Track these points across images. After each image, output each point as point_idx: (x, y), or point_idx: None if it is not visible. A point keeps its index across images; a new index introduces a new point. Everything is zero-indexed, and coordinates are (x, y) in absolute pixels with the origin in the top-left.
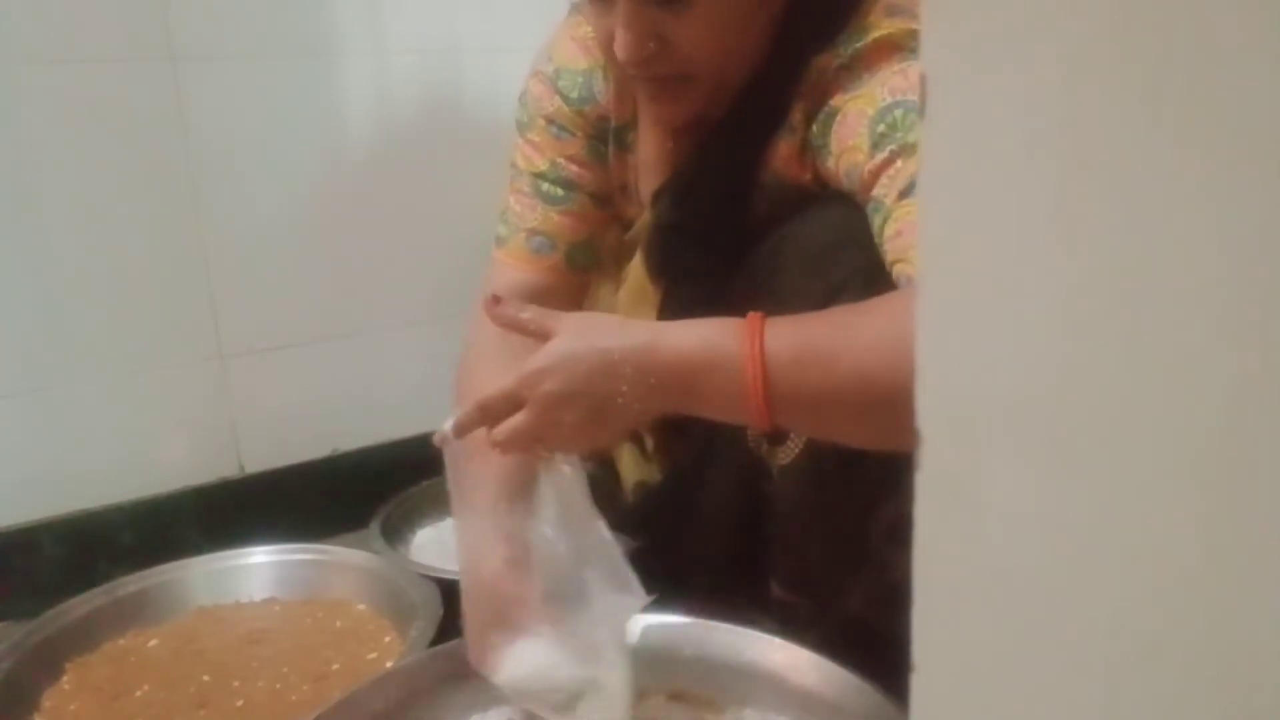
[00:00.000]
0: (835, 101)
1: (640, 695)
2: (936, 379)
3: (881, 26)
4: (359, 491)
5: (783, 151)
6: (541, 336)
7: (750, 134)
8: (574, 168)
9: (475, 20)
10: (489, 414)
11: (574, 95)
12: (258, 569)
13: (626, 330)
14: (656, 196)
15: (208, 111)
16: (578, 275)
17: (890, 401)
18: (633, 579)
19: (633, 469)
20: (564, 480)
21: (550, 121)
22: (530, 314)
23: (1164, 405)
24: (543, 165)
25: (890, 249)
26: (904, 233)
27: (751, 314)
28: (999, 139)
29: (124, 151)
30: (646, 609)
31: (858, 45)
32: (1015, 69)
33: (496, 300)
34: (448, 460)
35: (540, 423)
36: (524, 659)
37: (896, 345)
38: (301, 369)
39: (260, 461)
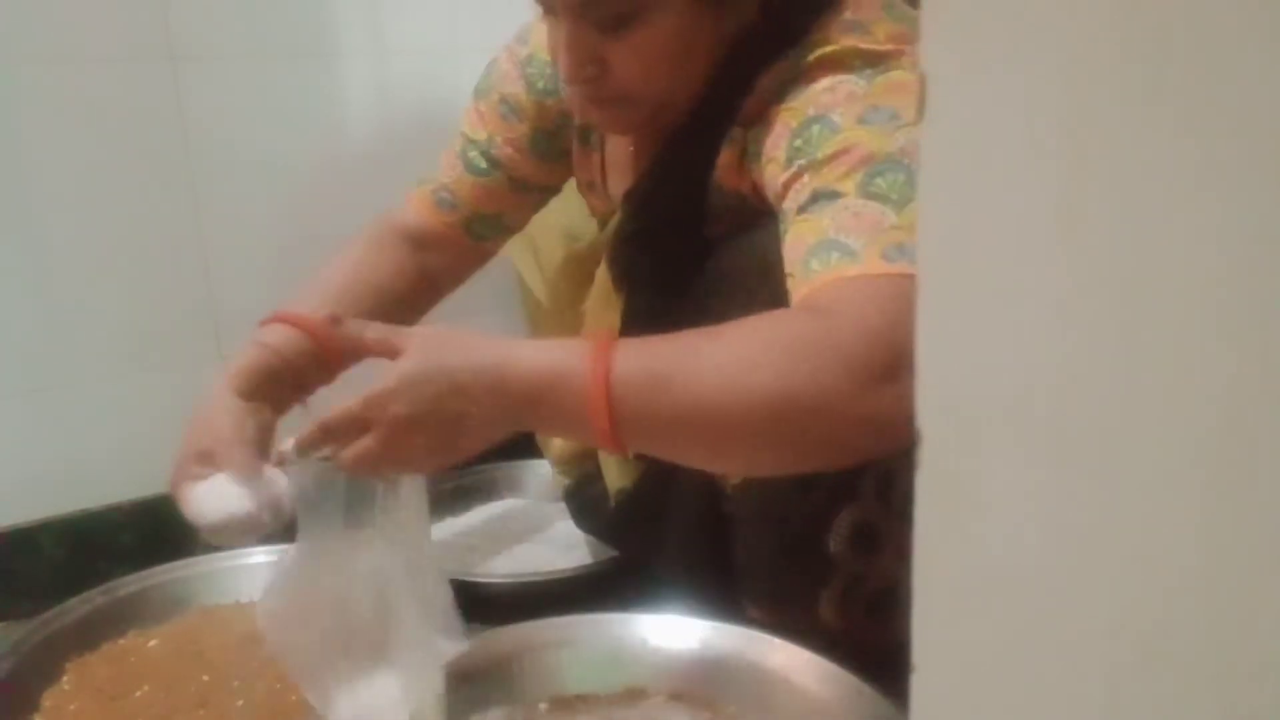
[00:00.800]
0: (770, 113)
1: (640, 695)
2: (936, 379)
3: (831, 43)
4: None
5: (724, 160)
6: (389, 355)
7: (701, 145)
8: (508, 150)
9: (475, 20)
10: (333, 435)
11: (539, 85)
12: (258, 569)
13: (477, 350)
14: (624, 200)
15: (208, 111)
16: (473, 241)
17: (742, 427)
18: (456, 623)
19: (616, 475)
20: (403, 500)
21: (504, 100)
22: (374, 333)
23: (1164, 405)
24: (480, 135)
25: (786, 262)
26: (795, 247)
27: (605, 335)
28: (999, 139)
29: (124, 151)
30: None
31: (803, 61)
32: (1015, 69)
33: (336, 320)
34: (291, 481)
35: (388, 446)
36: (211, 499)
37: (740, 370)
38: None
39: None
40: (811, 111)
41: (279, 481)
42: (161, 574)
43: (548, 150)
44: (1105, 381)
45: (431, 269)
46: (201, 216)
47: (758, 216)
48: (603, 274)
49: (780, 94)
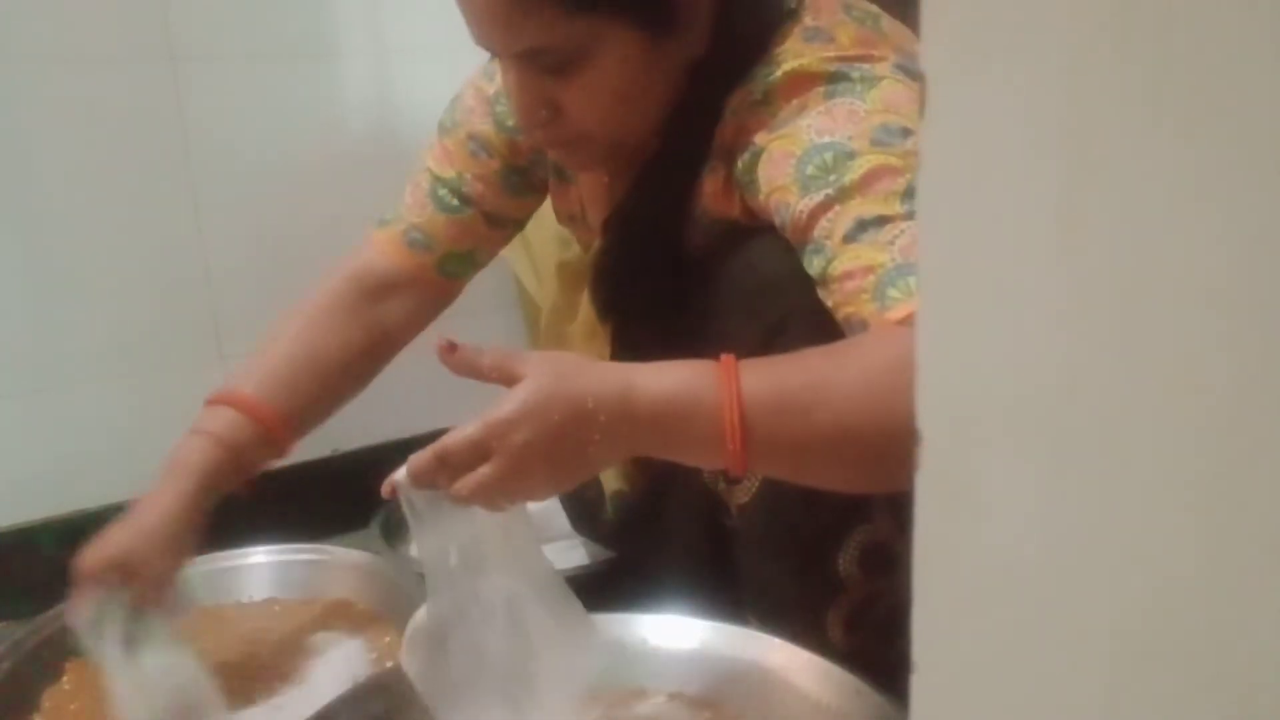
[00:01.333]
0: (759, 140)
1: (640, 695)
2: (936, 379)
3: (797, 55)
4: (359, 491)
5: (709, 188)
6: (506, 382)
7: (675, 172)
8: (479, 186)
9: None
10: (450, 464)
11: (509, 123)
12: (258, 569)
13: (598, 374)
14: (602, 231)
15: (208, 111)
16: (446, 280)
17: (868, 449)
18: (591, 632)
19: (612, 477)
20: (511, 524)
21: (472, 137)
22: (490, 359)
23: (1164, 405)
24: (449, 173)
25: (837, 293)
26: (854, 275)
27: (725, 357)
28: (999, 140)
29: (124, 151)
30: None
31: (771, 80)
32: (1015, 69)
33: (452, 346)
34: (406, 509)
35: (508, 475)
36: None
37: (874, 396)
38: None
39: None
40: (814, 138)
41: (160, 626)
42: None
43: (520, 185)
44: (1105, 382)
45: (390, 323)
46: (201, 216)
47: (743, 234)
48: (587, 306)
49: (758, 117)
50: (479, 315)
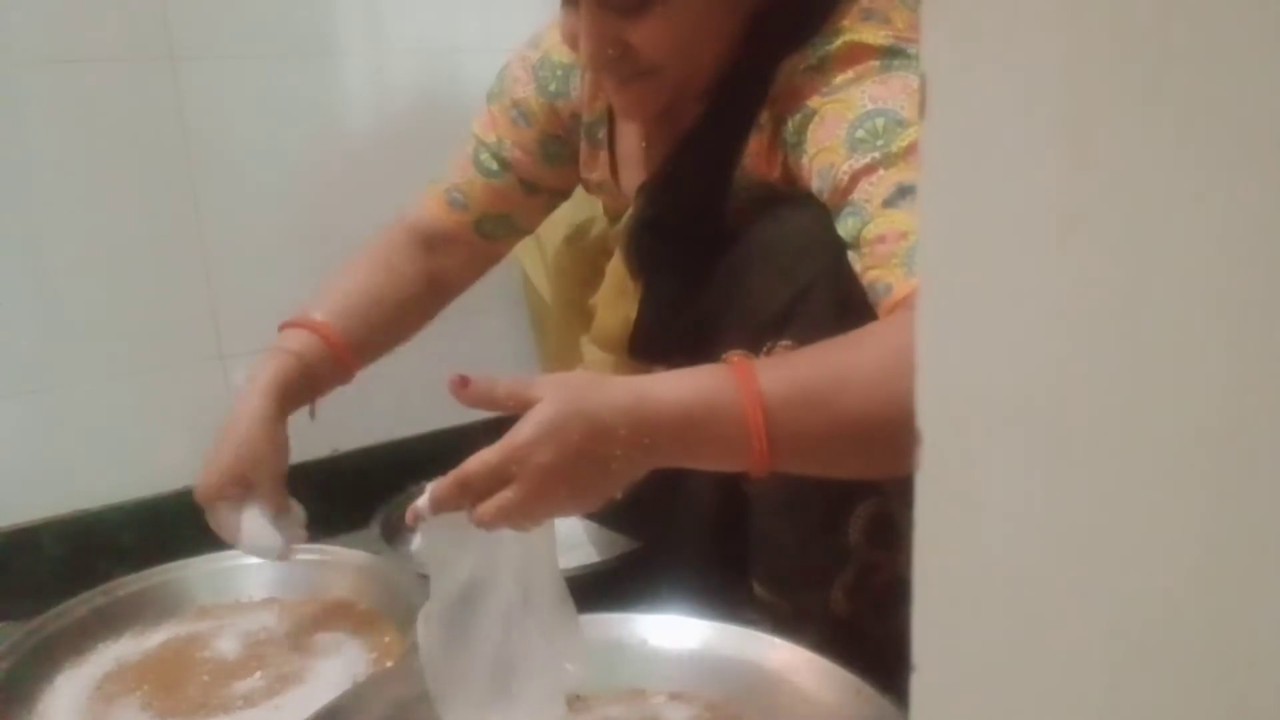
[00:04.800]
0: (813, 102)
1: (640, 695)
2: (936, 379)
3: (854, 30)
4: (359, 491)
5: (753, 147)
6: (522, 407)
7: (723, 134)
8: (518, 153)
9: (475, 20)
10: (472, 490)
11: (551, 87)
12: (258, 569)
13: (613, 388)
14: (639, 193)
15: (208, 111)
16: (483, 242)
17: (890, 436)
18: (581, 647)
19: None
20: (532, 540)
21: (515, 105)
22: (505, 388)
23: (1164, 405)
24: (491, 138)
25: (868, 255)
26: (887, 239)
27: (737, 358)
28: (999, 139)
29: (124, 151)
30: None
31: (828, 48)
32: (1015, 69)
33: (464, 381)
34: (424, 540)
35: (531, 498)
36: (247, 533)
37: (894, 380)
38: None
39: None
40: (868, 103)
41: (300, 515)
42: (161, 574)
43: (558, 154)
44: (1106, 381)
45: (442, 272)
46: (201, 216)
47: (777, 200)
48: (615, 266)
49: (812, 83)
50: (484, 314)
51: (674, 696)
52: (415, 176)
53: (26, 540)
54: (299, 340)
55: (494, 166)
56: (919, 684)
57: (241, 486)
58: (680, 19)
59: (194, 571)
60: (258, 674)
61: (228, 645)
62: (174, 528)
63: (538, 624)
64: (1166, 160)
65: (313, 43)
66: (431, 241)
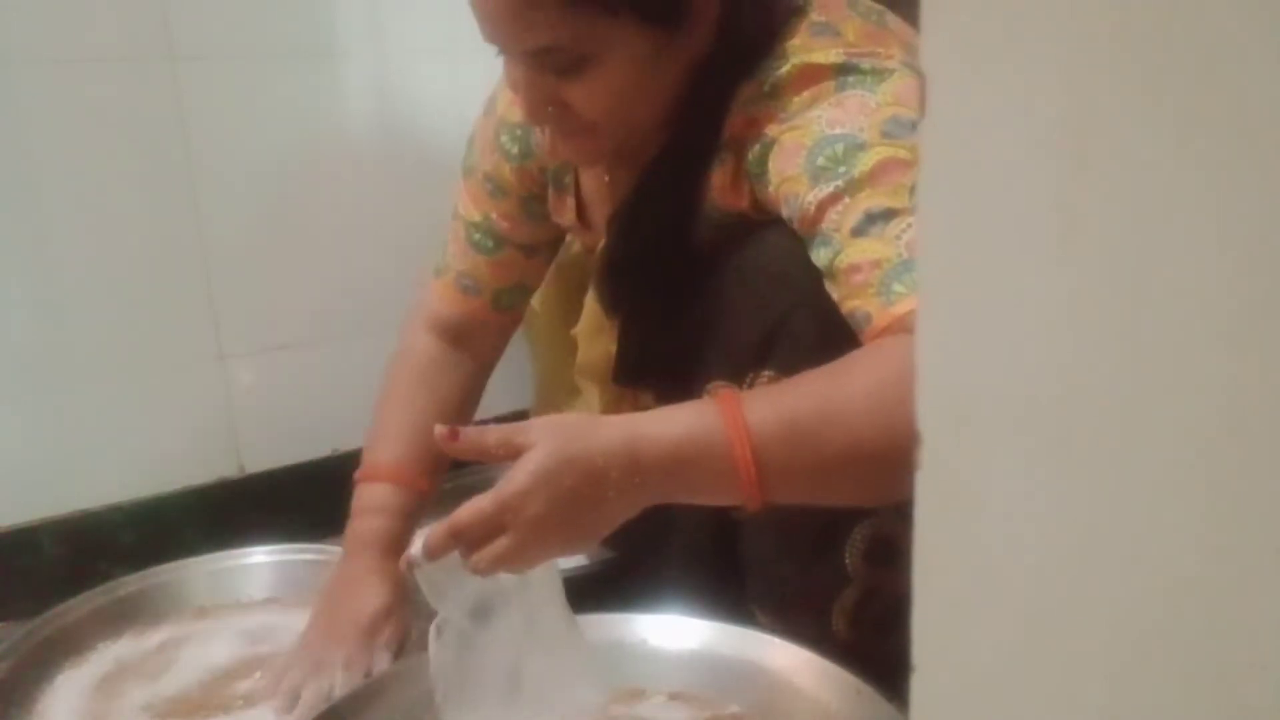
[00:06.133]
0: (771, 131)
1: (640, 695)
2: (936, 379)
3: (805, 50)
4: None
5: (718, 181)
6: (514, 455)
7: (685, 165)
8: (505, 224)
9: (475, 21)
10: (465, 539)
11: (514, 151)
12: (258, 569)
13: (603, 430)
14: (608, 228)
15: (208, 111)
16: (504, 314)
17: (880, 465)
18: (599, 674)
19: None
20: (534, 580)
21: (488, 178)
22: (494, 437)
23: (1164, 405)
24: (477, 216)
25: (844, 285)
26: (861, 269)
27: (725, 392)
28: (999, 139)
29: (124, 151)
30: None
31: (780, 73)
32: (1015, 69)
33: (454, 434)
34: (421, 583)
35: (525, 546)
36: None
37: (881, 412)
38: (301, 369)
39: (260, 461)
40: (826, 129)
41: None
42: (161, 574)
43: (542, 212)
44: (1105, 381)
45: (474, 361)
46: (201, 216)
47: (750, 228)
48: (592, 302)
49: (767, 110)
50: None
51: (674, 696)
52: (414, 177)
53: (26, 540)
54: (385, 496)
55: (490, 244)
56: (919, 684)
57: (333, 664)
58: (616, 77)
59: (194, 571)
60: (258, 674)
61: (228, 645)
62: (174, 528)
63: (545, 649)
64: (1166, 160)
65: (313, 44)
66: (458, 335)
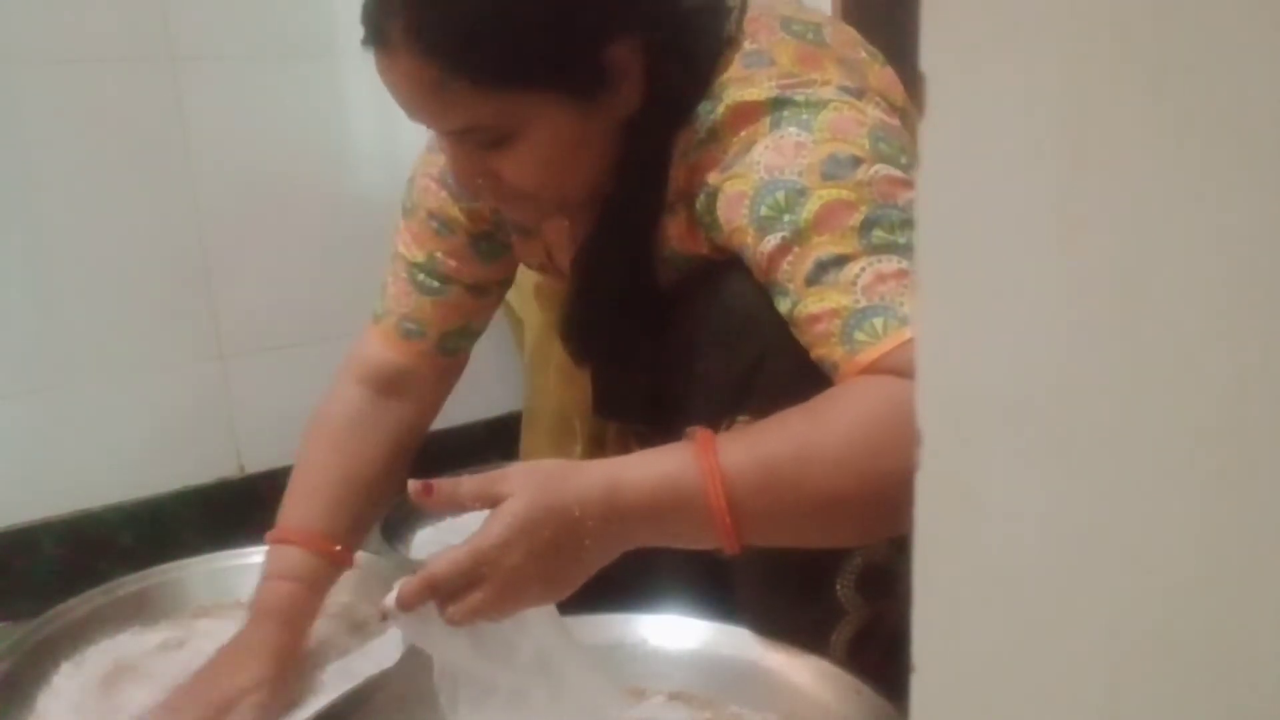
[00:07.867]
0: (712, 179)
1: (640, 695)
2: (936, 379)
3: (738, 87)
4: None
5: (673, 230)
6: (490, 505)
7: (633, 219)
8: (452, 263)
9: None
10: (441, 591)
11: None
12: (257, 569)
13: (582, 479)
14: (570, 272)
15: (208, 111)
16: (448, 359)
17: (859, 509)
18: (614, 691)
19: None
20: (530, 621)
21: (432, 216)
22: (469, 488)
23: (1164, 405)
24: (420, 257)
25: (807, 334)
26: (821, 319)
27: (701, 436)
28: (999, 139)
29: (124, 151)
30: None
31: (714, 116)
32: (1015, 69)
33: (428, 488)
34: (401, 630)
35: (503, 598)
36: None
37: (859, 457)
38: (301, 369)
39: (260, 461)
40: (764, 175)
41: None
42: (161, 574)
43: (490, 250)
44: (1105, 381)
45: (409, 415)
46: (201, 216)
47: (715, 270)
48: (562, 353)
49: (708, 155)
50: None
51: (674, 696)
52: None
53: (26, 540)
54: (291, 560)
55: (435, 284)
56: (919, 684)
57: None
58: (544, 149)
59: (194, 571)
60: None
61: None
62: (174, 528)
63: (556, 679)
64: (1166, 160)
65: (313, 43)
66: (396, 382)
